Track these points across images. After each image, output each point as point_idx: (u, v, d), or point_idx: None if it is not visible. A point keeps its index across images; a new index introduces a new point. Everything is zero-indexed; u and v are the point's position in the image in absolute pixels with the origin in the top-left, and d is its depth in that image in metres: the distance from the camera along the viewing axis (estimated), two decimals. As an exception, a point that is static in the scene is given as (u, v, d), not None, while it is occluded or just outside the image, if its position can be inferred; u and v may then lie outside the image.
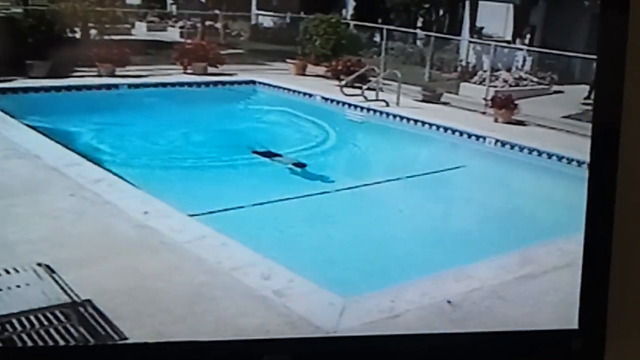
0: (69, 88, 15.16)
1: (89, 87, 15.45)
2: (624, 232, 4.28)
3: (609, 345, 4.34)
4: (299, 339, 5.56)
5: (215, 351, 5.19)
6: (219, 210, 9.41)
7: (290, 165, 12.18)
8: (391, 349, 5.24)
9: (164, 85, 16.77)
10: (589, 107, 17.48)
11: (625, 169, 4.47)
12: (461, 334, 5.39)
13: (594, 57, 16.19)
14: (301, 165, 12.10)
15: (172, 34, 24.79)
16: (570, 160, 12.66)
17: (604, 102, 4.27)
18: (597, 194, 4.16)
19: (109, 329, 5.63)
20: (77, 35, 19.81)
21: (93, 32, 21.23)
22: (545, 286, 7.11)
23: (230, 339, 5.38)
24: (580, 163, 12.58)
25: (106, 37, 21.07)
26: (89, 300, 5.99)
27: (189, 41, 21.60)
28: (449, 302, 6.51)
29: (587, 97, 18.72)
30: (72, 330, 5.61)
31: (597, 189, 4.14)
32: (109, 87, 15.75)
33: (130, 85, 16.08)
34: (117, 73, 16.72)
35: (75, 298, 5.96)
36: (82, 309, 5.89)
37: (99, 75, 16.38)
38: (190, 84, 17.26)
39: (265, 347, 5.21)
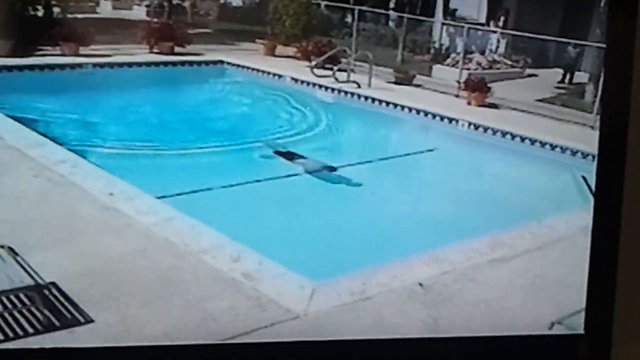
0: (31, 67, 15.04)
1: (52, 67, 15.33)
2: (630, 238, 4.33)
3: (615, 350, 4.40)
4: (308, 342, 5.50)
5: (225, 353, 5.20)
6: (187, 193, 9.42)
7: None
8: (399, 352, 5.24)
9: (130, 65, 16.68)
10: (563, 91, 17.77)
11: (633, 173, 4.50)
12: (467, 338, 5.42)
13: (569, 40, 16.28)
14: (282, 152, 12.12)
15: (138, 12, 24.63)
16: (543, 144, 12.81)
17: (612, 99, 4.27)
18: (604, 201, 4.17)
19: (74, 312, 5.63)
20: (40, 14, 19.70)
21: (56, 10, 21.11)
22: (516, 269, 7.22)
23: (244, 342, 5.37)
24: (553, 146, 12.80)
25: (70, 16, 20.99)
26: (53, 283, 5.97)
27: (155, 20, 21.54)
28: (420, 284, 6.60)
29: (561, 81, 18.96)
30: (37, 313, 5.60)
31: (603, 197, 4.15)
32: (73, 66, 15.66)
33: (95, 65, 15.99)
34: (82, 52, 16.69)
35: (39, 281, 5.93)
36: (46, 292, 5.88)
37: (63, 55, 16.33)
38: (156, 64, 17.18)
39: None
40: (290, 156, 11.70)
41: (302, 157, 11.65)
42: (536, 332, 5.60)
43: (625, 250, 4.24)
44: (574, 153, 12.42)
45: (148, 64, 17.04)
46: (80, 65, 15.81)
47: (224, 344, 5.37)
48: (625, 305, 4.28)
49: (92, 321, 5.56)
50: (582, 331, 5.07)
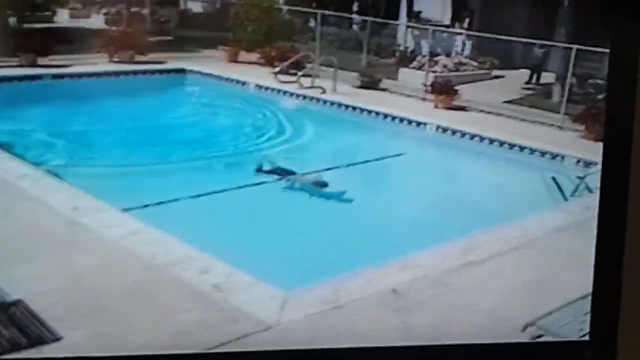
0: (-13, 80, 14.96)
1: (10, 79, 15.22)
2: (635, 243, 4.37)
3: (620, 355, 4.44)
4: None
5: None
6: (153, 204, 9.40)
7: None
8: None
9: (90, 75, 16.60)
10: (530, 92, 17.96)
11: (638, 177, 4.53)
12: (473, 345, 5.44)
13: (534, 41, 16.42)
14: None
15: (96, 21, 24.58)
16: (512, 146, 12.95)
17: (616, 103, 4.28)
18: (608, 206, 4.19)
19: (42, 330, 5.61)
20: (-5, 24, 19.55)
21: (12, 20, 20.97)
22: (489, 272, 7.30)
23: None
24: (522, 148, 12.96)
25: (27, 26, 20.86)
26: (19, 301, 5.96)
27: (114, 28, 21.47)
28: (393, 290, 6.65)
29: (528, 82, 19.17)
30: (3, 331, 5.58)
31: (607, 202, 4.17)
32: (32, 77, 15.55)
33: (54, 76, 15.91)
34: (40, 63, 16.60)
35: (5, 298, 5.92)
36: (13, 310, 5.86)
37: (21, 66, 16.25)
38: (117, 73, 17.12)
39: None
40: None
41: (271, 166, 11.64)
42: (544, 340, 5.65)
43: (630, 255, 4.29)
44: (542, 154, 12.58)
45: (108, 74, 17.00)
46: (39, 76, 15.72)
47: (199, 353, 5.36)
48: (631, 311, 4.32)
49: (60, 338, 5.53)
50: (581, 337, 5.16)
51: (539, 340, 5.65)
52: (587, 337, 4.65)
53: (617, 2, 4.03)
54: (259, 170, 11.49)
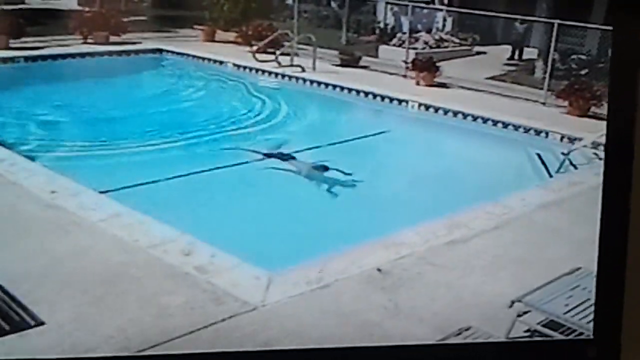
0: (-43, 63, 14.89)
1: (-20, 62, 15.19)
2: (638, 242, 4.39)
3: (624, 354, 4.48)
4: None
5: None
6: (132, 186, 9.40)
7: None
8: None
9: (63, 56, 16.49)
10: (513, 68, 18.03)
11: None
12: (476, 344, 5.49)
13: (516, 16, 16.48)
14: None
15: (68, 1, 24.40)
16: (495, 122, 13.02)
17: (618, 95, 4.28)
18: (611, 201, 4.20)
19: (24, 315, 5.62)
20: (-37, 6, 19.39)
21: (-19, 1, 20.78)
22: (475, 250, 7.37)
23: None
24: (505, 124, 13.04)
25: (-4, 7, 20.69)
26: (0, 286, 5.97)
27: (87, 9, 21.34)
28: (378, 270, 6.71)
29: (511, 58, 19.25)
30: (-17, 317, 5.60)
31: (611, 197, 4.18)
32: (4, 60, 15.47)
33: (27, 58, 15.83)
34: (12, 45, 16.51)
35: (-16, 284, 5.93)
36: (-7, 295, 5.87)
37: (-9, 49, 16.16)
38: (91, 54, 17.01)
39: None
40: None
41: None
42: (548, 338, 5.71)
43: (634, 254, 4.32)
44: (526, 130, 12.66)
45: (82, 55, 16.91)
46: (11, 59, 15.64)
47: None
48: (634, 309, 4.36)
49: (43, 323, 5.55)
50: (566, 312, 5.23)
51: (543, 339, 5.71)
52: (590, 335, 4.71)
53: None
54: (254, 152, 11.47)
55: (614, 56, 4.08)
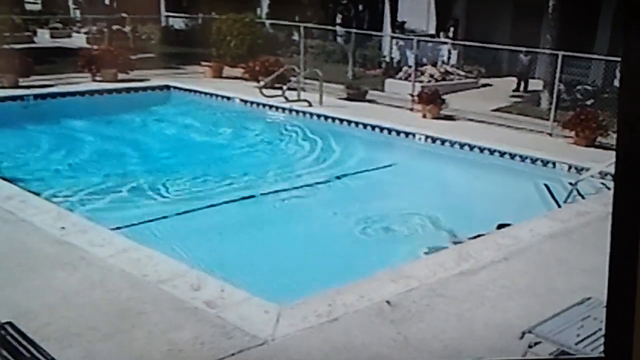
0: (-31, 102, 14.97)
1: (-9, 100, 15.27)
2: None
3: None
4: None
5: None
6: (141, 223, 9.43)
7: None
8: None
9: (72, 94, 16.57)
10: (518, 99, 18.05)
11: None
12: None
13: (520, 48, 16.52)
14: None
15: (77, 40, 24.63)
16: (502, 154, 13.00)
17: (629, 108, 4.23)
18: (622, 221, 4.16)
19: (34, 352, 5.58)
20: (-27, 46, 19.57)
21: (-9, 41, 20.98)
22: (483, 281, 7.32)
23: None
24: (512, 156, 13.01)
25: (6, 47, 20.87)
26: (9, 323, 5.92)
27: (95, 47, 21.48)
28: (387, 302, 6.66)
29: (516, 89, 19.29)
30: (-6, 354, 5.56)
31: (622, 217, 4.14)
32: (13, 98, 15.57)
33: (36, 96, 15.91)
34: (21, 84, 16.61)
35: (-6, 320, 5.90)
36: (3, 333, 5.83)
37: (2, 87, 16.20)
38: (100, 92, 17.12)
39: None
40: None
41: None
42: (559, 357, 5.66)
43: None
44: (533, 161, 12.63)
45: (91, 92, 17.00)
46: (21, 97, 15.73)
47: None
48: None
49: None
50: (577, 343, 5.17)
51: (557, 357, 5.66)
52: (602, 354, 4.66)
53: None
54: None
55: (623, 85, 4.04)
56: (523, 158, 12.80)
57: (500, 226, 9.28)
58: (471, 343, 5.92)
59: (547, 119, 15.09)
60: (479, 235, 8.90)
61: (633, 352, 4.28)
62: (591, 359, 5.33)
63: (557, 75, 15.19)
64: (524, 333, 5.74)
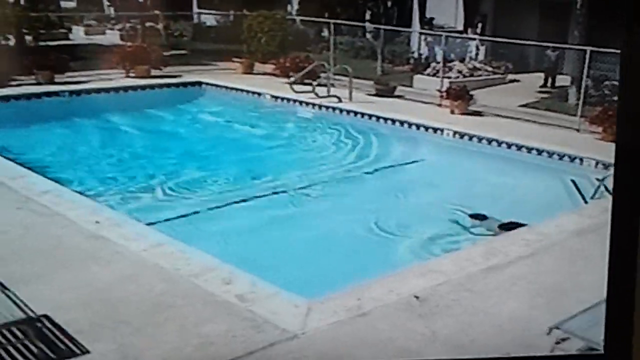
0: (6, 98, 15.04)
1: (28, 97, 15.34)
2: None
3: None
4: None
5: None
6: (175, 218, 9.48)
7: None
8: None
9: (107, 90, 16.68)
10: (546, 95, 17.92)
11: None
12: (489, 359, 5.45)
13: (548, 44, 16.37)
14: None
15: (111, 37, 24.76)
16: (529, 149, 12.91)
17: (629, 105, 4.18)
18: (622, 217, 4.13)
19: (69, 344, 5.64)
20: (11, 43, 19.75)
21: (28, 38, 21.17)
22: (511, 276, 7.28)
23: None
24: (540, 151, 12.92)
25: (42, 44, 21.05)
26: (46, 316, 5.99)
27: (129, 44, 21.58)
28: (416, 297, 6.65)
29: (543, 85, 19.16)
30: (31, 346, 5.61)
31: (621, 213, 4.10)
32: (49, 94, 15.68)
33: (71, 92, 16.02)
34: (57, 80, 16.73)
35: (31, 314, 5.94)
36: (39, 325, 5.89)
37: (38, 84, 16.40)
38: (133, 88, 17.21)
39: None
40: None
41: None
42: (561, 353, 5.63)
43: None
44: (561, 157, 12.54)
45: (125, 89, 17.09)
46: (56, 93, 15.85)
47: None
48: None
49: (87, 352, 5.56)
50: (600, 349, 5.14)
51: (554, 354, 5.63)
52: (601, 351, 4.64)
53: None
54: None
55: (622, 83, 4.00)
56: (550, 154, 12.69)
57: (502, 226, 9.28)
58: (498, 338, 5.90)
59: (575, 115, 14.96)
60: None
61: (633, 351, 4.26)
62: (591, 357, 5.29)
63: (585, 71, 15.06)
64: (550, 329, 5.71)
